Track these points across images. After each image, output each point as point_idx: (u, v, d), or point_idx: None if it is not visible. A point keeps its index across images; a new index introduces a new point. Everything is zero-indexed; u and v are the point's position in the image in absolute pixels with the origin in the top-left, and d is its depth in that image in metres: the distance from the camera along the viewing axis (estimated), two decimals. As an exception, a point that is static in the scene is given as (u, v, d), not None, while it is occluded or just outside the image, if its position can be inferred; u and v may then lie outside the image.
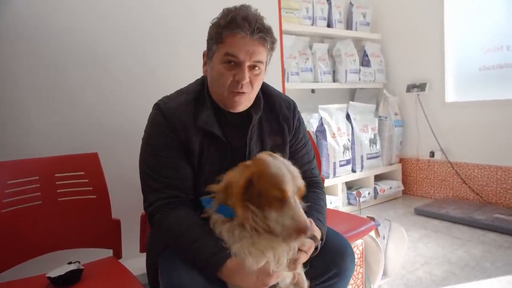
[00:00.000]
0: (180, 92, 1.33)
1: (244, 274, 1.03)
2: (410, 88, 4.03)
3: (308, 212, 1.14)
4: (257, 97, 1.34)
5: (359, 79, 3.93)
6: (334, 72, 3.88)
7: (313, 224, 1.17)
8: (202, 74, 1.38)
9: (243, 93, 1.24)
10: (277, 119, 1.38)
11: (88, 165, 1.62)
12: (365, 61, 4.09)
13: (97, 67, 1.91)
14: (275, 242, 1.03)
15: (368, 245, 2.01)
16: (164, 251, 1.21)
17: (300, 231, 0.98)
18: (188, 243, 1.11)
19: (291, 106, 1.43)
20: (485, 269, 2.40)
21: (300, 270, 1.17)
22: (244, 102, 1.27)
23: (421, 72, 3.99)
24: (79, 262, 1.47)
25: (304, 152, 1.45)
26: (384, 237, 2.17)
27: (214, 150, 1.28)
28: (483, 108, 3.59)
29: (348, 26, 4.03)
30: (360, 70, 3.92)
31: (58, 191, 1.57)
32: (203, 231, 1.14)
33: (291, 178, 1.03)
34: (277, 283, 1.11)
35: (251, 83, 1.24)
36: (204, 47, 1.32)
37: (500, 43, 3.50)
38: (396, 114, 4.09)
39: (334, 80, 3.86)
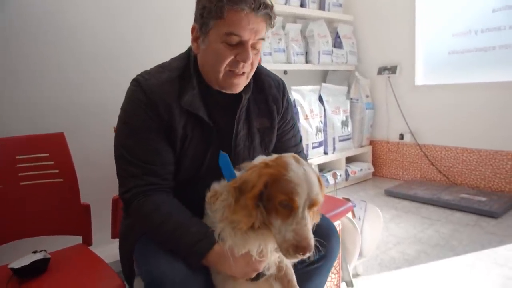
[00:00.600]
0: (161, 68, 1.21)
1: (231, 260, 0.97)
2: (382, 70, 4.06)
3: None
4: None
5: (332, 61, 3.91)
6: (306, 53, 3.83)
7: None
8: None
9: (243, 73, 1.15)
10: (265, 100, 1.30)
11: (54, 146, 1.50)
12: (337, 42, 4.06)
13: (61, 41, 1.77)
14: (264, 233, 0.97)
15: (345, 226, 2.00)
16: (141, 238, 1.13)
17: (298, 248, 0.89)
18: (169, 230, 1.04)
19: (281, 86, 1.35)
20: (454, 248, 2.47)
21: (287, 261, 1.12)
22: (243, 83, 1.19)
23: (392, 55, 4.02)
24: (45, 251, 1.37)
25: (292, 134, 1.39)
26: (360, 218, 2.17)
27: (199, 133, 1.18)
28: (451, 91, 3.67)
29: (321, 6, 3.98)
30: (332, 52, 3.89)
31: (20, 174, 1.45)
32: (185, 217, 1.07)
33: (307, 189, 0.92)
34: (263, 272, 1.06)
35: (251, 62, 1.14)
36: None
37: (468, 28, 3.56)
38: (367, 96, 4.11)
39: (307, 61, 3.81)
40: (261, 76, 1.30)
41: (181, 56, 1.25)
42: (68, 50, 1.78)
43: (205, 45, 1.14)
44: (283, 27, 3.65)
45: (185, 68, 1.20)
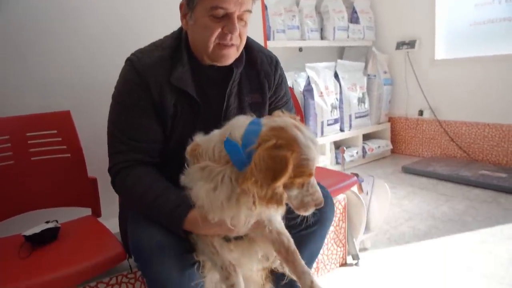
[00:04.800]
0: (154, 46, 1.23)
1: (208, 223, 1.00)
2: (400, 45, 3.95)
3: None
4: None
5: (348, 37, 3.83)
6: (321, 29, 3.78)
7: None
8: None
9: (232, 45, 1.17)
10: (257, 76, 1.31)
11: (61, 124, 1.57)
12: (354, 18, 3.98)
13: (67, 23, 1.82)
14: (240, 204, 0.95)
15: (351, 200, 2.01)
16: (132, 213, 1.19)
17: (316, 205, 0.97)
18: (150, 201, 1.08)
19: (273, 62, 1.36)
20: (467, 223, 2.43)
21: (281, 227, 1.11)
22: (233, 55, 1.20)
23: (411, 29, 3.89)
24: (56, 221, 1.46)
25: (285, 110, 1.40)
26: (367, 193, 2.17)
27: (188, 110, 1.21)
28: (472, 65, 3.54)
29: (337, -19, 3.89)
30: (348, 27, 3.82)
31: (30, 150, 1.53)
32: (165, 187, 1.10)
33: (317, 158, 0.94)
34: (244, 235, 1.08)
35: (239, 34, 1.16)
36: None
37: (492, -3, 3.41)
38: (385, 72, 4.03)
39: (322, 38, 3.76)
40: (253, 52, 1.31)
41: (173, 34, 1.27)
42: (74, 31, 1.84)
43: (192, 21, 1.16)
44: (297, 4, 3.61)
45: (177, 47, 1.22)
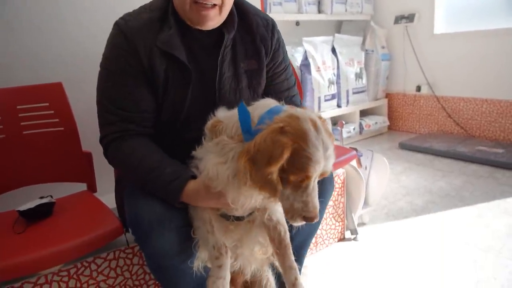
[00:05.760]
0: (143, 8, 1.17)
1: (208, 193, 0.97)
2: (399, 19, 3.87)
3: None
4: (231, 14, 1.19)
5: (346, 10, 3.74)
6: (319, 2, 3.68)
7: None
8: None
9: (213, 5, 1.09)
10: (253, 40, 1.24)
11: (53, 96, 1.52)
12: (352, -10, 3.88)
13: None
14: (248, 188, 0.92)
15: (350, 174, 1.99)
16: (129, 186, 1.16)
17: (306, 218, 0.88)
18: (145, 172, 1.05)
19: (269, 25, 1.29)
20: (464, 198, 2.44)
21: (281, 216, 1.09)
22: (214, 18, 1.12)
23: (410, 2, 3.81)
24: (51, 196, 1.43)
25: (284, 77, 1.34)
26: (366, 168, 2.15)
27: (179, 75, 1.14)
28: (472, 39, 3.49)
29: (335, -48, 3.77)
30: (346, 1, 3.72)
31: (22, 123, 1.48)
32: (160, 159, 1.07)
33: (323, 165, 0.87)
34: (243, 216, 1.06)
35: None
36: None
37: (494, -31, 3.33)
38: (383, 47, 3.96)
39: (319, 11, 3.67)
40: (248, 15, 1.24)
41: None
42: (67, 4, 1.77)
43: None
44: (294, -25, 3.50)
45: (166, 7, 1.15)
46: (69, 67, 1.79)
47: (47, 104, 1.51)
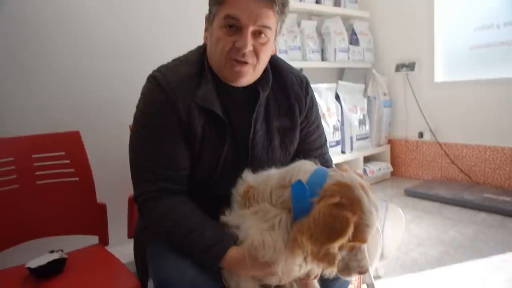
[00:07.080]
0: (179, 61, 1.15)
1: (251, 264, 0.92)
2: (399, 67, 3.97)
3: None
4: (265, 71, 1.17)
5: (348, 58, 3.83)
6: (322, 50, 3.77)
7: None
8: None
9: (246, 63, 1.07)
10: (287, 98, 1.21)
11: (69, 145, 1.48)
12: (353, 39, 3.99)
13: (76, 40, 1.75)
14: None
15: (366, 226, 1.94)
16: (154, 239, 1.10)
17: (360, 273, 0.92)
18: (182, 234, 0.99)
19: (303, 84, 1.26)
20: (479, 249, 2.38)
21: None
22: (248, 75, 1.09)
23: (411, 51, 3.92)
24: (62, 251, 1.35)
25: (316, 135, 1.31)
26: (380, 219, 2.10)
27: (215, 131, 1.11)
28: (472, 88, 3.56)
29: (337, 3, 3.91)
30: (349, 49, 3.82)
31: (36, 173, 1.43)
32: (199, 220, 1.02)
33: (377, 222, 0.89)
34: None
35: (255, 52, 1.06)
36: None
37: (491, 21, 3.45)
38: (385, 94, 4.03)
39: (323, 59, 3.75)
40: (282, 73, 1.22)
41: (199, 48, 1.19)
42: (81, 49, 1.77)
43: (210, 34, 1.10)
44: (298, 24, 3.60)
45: (203, 62, 1.14)
46: (83, 116, 1.76)
47: (63, 153, 1.46)
